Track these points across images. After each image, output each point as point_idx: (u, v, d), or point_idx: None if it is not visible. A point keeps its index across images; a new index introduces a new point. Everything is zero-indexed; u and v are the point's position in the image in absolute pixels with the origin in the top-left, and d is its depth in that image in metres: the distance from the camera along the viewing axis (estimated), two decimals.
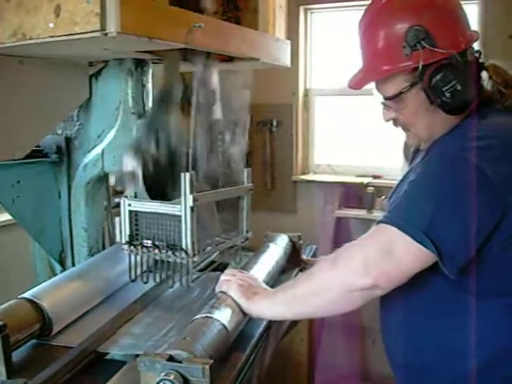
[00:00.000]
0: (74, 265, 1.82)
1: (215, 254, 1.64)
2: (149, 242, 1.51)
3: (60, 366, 1.20)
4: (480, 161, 1.16)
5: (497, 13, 3.21)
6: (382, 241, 1.23)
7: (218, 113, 1.63)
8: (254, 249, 1.82)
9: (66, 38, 1.13)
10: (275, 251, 1.79)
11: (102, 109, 1.73)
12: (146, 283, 1.59)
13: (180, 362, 1.06)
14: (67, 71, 1.62)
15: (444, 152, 1.26)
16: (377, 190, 3.54)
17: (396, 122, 1.39)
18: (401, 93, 1.29)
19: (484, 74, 1.35)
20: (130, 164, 1.53)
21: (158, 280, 1.57)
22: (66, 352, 1.28)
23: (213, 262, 1.66)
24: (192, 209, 1.42)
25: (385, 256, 1.20)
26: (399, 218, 1.21)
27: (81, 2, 1.09)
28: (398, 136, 1.51)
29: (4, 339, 1.17)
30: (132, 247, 1.53)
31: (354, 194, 3.71)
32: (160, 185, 1.59)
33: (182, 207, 1.43)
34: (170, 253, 1.47)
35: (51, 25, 1.13)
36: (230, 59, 1.76)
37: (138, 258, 1.55)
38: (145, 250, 1.51)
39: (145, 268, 1.59)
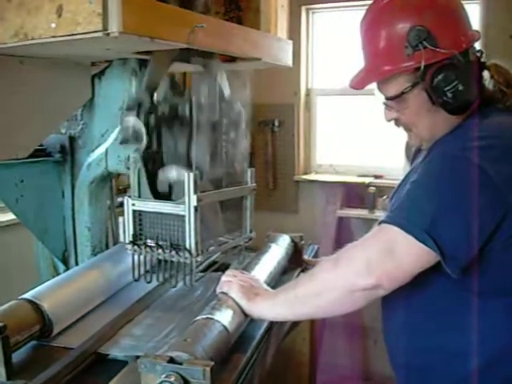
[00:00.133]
0: (77, 264, 1.83)
1: (218, 253, 1.64)
2: (152, 242, 1.51)
3: (60, 368, 1.19)
4: (482, 160, 1.16)
5: (498, 12, 3.21)
6: (384, 241, 1.23)
7: (219, 112, 1.63)
8: (256, 249, 1.82)
9: (68, 38, 1.13)
10: (277, 252, 1.78)
11: (105, 108, 1.73)
12: (149, 283, 1.59)
13: (181, 364, 1.06)
14: (69, 71, 1.62)
15: (446, 152, 1.26)
16: (378, 189, 3.54)
17: (397, 122, 1.39)
18: (402, 93, 1.29)
19: (485, 74, 1.34)
20: (133, 122, 1.52)
21: (161, 280, 1.57)
22: (67, 353, 1.27)
23: (215, 263, 1.67)
24: (196, 209, 1.42)
25: (387, 256, 1.20)
26: (401, 217, 1.21)
27: (83, 2, 1.09)
28: (400, 136, 1.51)
29: (4, 340, 1.17)
30: (135, 247, 1.53)
31: (356, 194, 3.72)
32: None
33: (185, 207, 1.43)
34: (173, 252, 1.47)
35: (53, 25, 1.13)
36: (232, 59, 1.76)
37: (142, 257, 1.56)
38: (148, 249, 1.52)
39: (148, 268, 1.59)
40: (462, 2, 1.33)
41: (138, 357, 1.12)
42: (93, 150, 1.75)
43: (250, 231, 1.72)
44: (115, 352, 1.33)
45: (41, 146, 1.72)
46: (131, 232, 1.54)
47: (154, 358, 1.07)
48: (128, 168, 1.59)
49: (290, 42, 2.04)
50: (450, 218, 1.18)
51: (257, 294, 1.40)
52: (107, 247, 1.88)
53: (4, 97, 1.43)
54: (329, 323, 3.43)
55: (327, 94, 3.93)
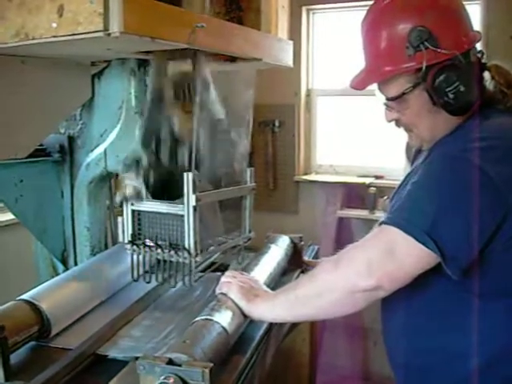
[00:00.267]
0: (76, 264, 1.82)
1: (218, 253, 1.64)
2: (151, 242, 1.50)
3: (58, 369, 1.19)
4: (482, 161, 1.16)
5: (499, 13, 3.21)
6: (384, 242, 1.23)
7: (221, 112, 1.63)
8: (256, 249, 1.82)
9: (69, 38, 1.12)
10: (276, 252, 1.78)
11: (104, 108, 1.73)
12: (148, 283, 1.59)
13: (179, 366, 1.06)
14: (69, 71, 1.62)
15: (446, 153, 1.25)
16: (379, 190, 3.54)
17: (398, 123, 1.39)
18: (403, 93, 1.29)
19: (486, 75, 1.34)
20: (132, 179, 1.52)
21: (160, 280, 1.56)
22: (65, 354, 1.27)
23: (213, 263, 1.66)
24: (195, 208, 1.42)
25: (388, 257, 1.20)
26: (402, 218, 1.20)
27: (84, 2, 1.09)
28: (400, 136, 1.50)
29: (2, 341, 1.17)
30: (134, 247, 1.53)
31: (356, 195, 3.71)
32: (163, 184, 1.58)
33: (184, 207, 1.43)
34: (172, 252, 1.47)
35: (54, 25, 1.13)
36: (232, 59, 1.76)
37: (141, 257, 1.55)
38: (147, 249, 1.52)
39: (147, 268, 1.59)
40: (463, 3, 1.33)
41: (137, 357, 1.11)
42: (92, 150, 1.75)
43: (249, 231, 1.72)
44: (114, 353, 1.32)
45: (40, 145, 1.72)
46: (130, 232, 1.54)
47: (152, 360, 1.07)
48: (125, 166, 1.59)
49: (291, 42, 2.04)
50: (451, 219, 1.18)
51: (256, 295, 1.39)
52: (106, 247, 1.88)
53: (4, 96, 1.42)
54: (329, 324, 3.43)
55: (328, 95, 3.93)
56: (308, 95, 3.95)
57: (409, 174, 1.44)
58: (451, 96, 1.23)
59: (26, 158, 1.57)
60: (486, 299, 1.24)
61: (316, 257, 2.08)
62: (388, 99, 1.34)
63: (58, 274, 1.83)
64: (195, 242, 1.45)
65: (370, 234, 1.30)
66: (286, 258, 1.80)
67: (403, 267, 1.20)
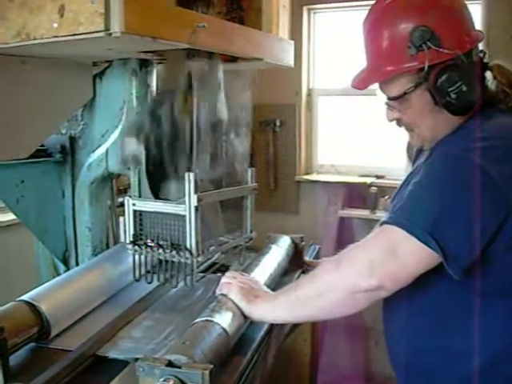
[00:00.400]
0: (77, 264, 1.82)
1: (219, 253, 1.64)
2: (153, 242, 1.50)
3: (58, 370, 1.18)
4: (484, 161, 1.16)
5: (500, 13, 3.21)
6: (386, 241, 1.22)
7: (222, 112, 1.63)
8: (257, 249, 1.81)
9: (70, 38, 1.13)
10: (277, 253, 1.77)
11: (106, 108, 1.73)
12: (150, 283, 1.59)
13: (179, 367, 1.05)
14: (70, 71, 1.62)
15: (448, 152, 1.25)
16: (380, 190, 3.54)
17: (399, 122, 1.39)
18: (405, 93, 1.29)
19: (488, 75, 1.34)
20: (133, 147, 1.52)
21: (161, 280, 1.56)
22: (65, 355, 1.26)
23: (215, 264, 1.66)
24: (196, 208, 1.42)
25: (389, 257, 1.20)
26: (404, 218, 1.20)
27: (85, 2, 1.09)
28: (401, 136, 1.50)
29: (1, 343, 1.16)
30: (136, 247, 1.53)
31: (358, 194, 3.71)
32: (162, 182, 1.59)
33: (186, 207, 1.43)
34: (174, 252, 1.47)
35: (55, 25, 1.13)
36: (233, 59, 1.76)
37: (142, 257, 1.55)
38: (149, 249, 1.51)
39: (149, 268, 1.58)
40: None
41: (137, 359, 1.11)
42: (93, 151, 1.75)
43: (251, 231, 1.72)
44: (114, 354, 1.31)
45: (41, 146, 1.72)
46: (132, 232, 1.54)
47: (152, 362, 1.06)
48: (128, 168, 1.59)
49: (292, 42, 2.04)
50: (453, 219, 1.18)
51: (257, 296, 1.39)
52: (108, 247, 1.87)
53: (5, 97, 1.42)
54: (330, 324, 3.43)
55: (329, 94, 3.92)
56: (309, 95, 3.94)
57: (410, 173, 1.44)
58: (453, 96, 1.23)
59: (28, 158, 1.57)
60: (488, 299, 1.24)
61: (317, 257, 2.08)
62: (389, 99, 1.34)
63: (59, 275, 1.82)
64: (197, 242, 1.45)
65: (372, 233, 1.30)
66: (286, 259, 1.80)
67: (405, 267, 1.20)
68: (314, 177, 3.91)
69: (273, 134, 3.92)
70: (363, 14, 1.38)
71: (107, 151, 1.71)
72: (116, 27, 1.09)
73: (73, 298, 1.48)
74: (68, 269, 1.84)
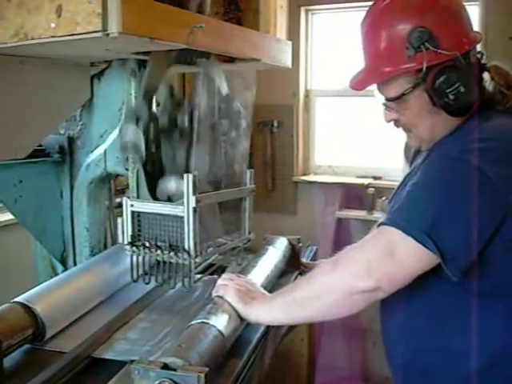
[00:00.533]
0: (75, 264, 1.82)
1: (217, 255, 1.64)
2: (151, 243, 1.50)
3: (53, 372, 1.18)
4: (481, 162, 1.16)
5: (498, 14, 3.21)
6: (383, 242, 1.22)
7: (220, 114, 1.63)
8: (255, 250, 1.81)
9: (68, 38, 1.12)
10: (274, 254, 1.77)
11: (104, 109, 1.73)
12: (147, 284, 1.59)
13: (175, 370, 1.04)
14: (68, 71, 1.62)
15: (445, 154, 1.25)
16: (377, 190, 3.54)
17: (397, 123, 1.38)
18: (403, 94, 1.28)
19: (486, 76, 1.34)
20: (132, 134, 1.52)
21: (159, 281, 1.56)
22: (60, 357, 1.25)
23: (212, 265, 1.66)
24: (195, 210, 1.42)
25: (387, 258, 1.20)
26: (401, 219, 1.20)
27: (82, 3, 1.09)
28: (399, 137, 1.50)
29: None
30: (134, 248, 1.53)
31: (355, 195, 3.72)
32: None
33: (184, 208, 1.43)
34: (172, 254, 1.47)
35: (53, 25, 1.13)
36: (231, 60, 1.76)
37: (140, 258, 1.55)
38: (147, 250, 1.51)
39: (147, 269, 1.58)
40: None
41: (133, 360, 1.10)
42: (92, 151, 1.75)
43: (249, 232, 1.72)
44: (109, 356, 1.31)
45: (40, 146, 1.72)
46: (130, 233, 1.54)
47: (147, 364, 1.06)
48: (127, 169, 1.59)
49: (290, 42, 2.04)
50: (450, 220, 1.18)
51: (253, 297, 1.38)
52: (106, 248, 1.88)
53: (3, 97, 1.43)
54: (327, 325, 3.42)
55: (326, 95, 3.93)
56: (307, 96, 3.94)
57: (408, 174, 1.44)
58: (451, 97, 1.23)
59: (26, 158, 1.57)
60: (486, 300, 1.24)
61: (314, 257, 2.08)
62: (387, 99, 1.34)
63: (57, 275, 1.82)
64: (195, 244, 1.45)
65: (369, 235, 1.30)
66: (283, 260, 1.79)
67: (403, 268, 1.20)
68: (311, 177, 3.92)
69: (270, 134, 3.92)
70: (361, 15, 1.38)
71: (105, 152, 1.71)
72: (113, 27, 1.09)
73: (69, 299, 1.47)
74: (66, 269, 1.84)
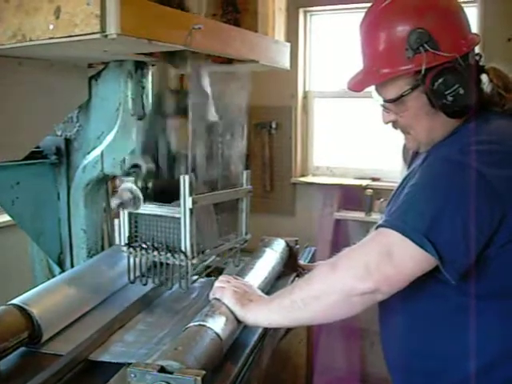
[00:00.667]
0: (72, 266, 1.82)
1: (214, 256, 1.63)
2: (148, 244, 1.50)
3: (49, 375, 1.17)
4: (480, 165, 1.16)
5: (496, 16, 3.22)
6: (382, 244, 1.22)
7: (216, 115, 1.63)
8: (252, 251, 1.80)
9: (66, 39, 1.12)
10: (271, 256, 1.76)
11: (101, 110, 1.73)
12: (145, 285, 1.58)
13: (171, 373, 1.03)
14: (66, 73, 1.62)
15: (444, 156, 1.25)
16: (375, 192, 3.55)
17: (395, 125, 1.38)
18: (402, 96, 1.28)
19: (484, 77, 1.34)
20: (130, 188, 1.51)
21: (156, 282, 1.56)
22: (56, 360, 1.24)
23: (209, 266, 1.66)
24: (191, 211, 1.42)
25: (386, 260, 1.19)
26: (400, 221, 1.20)
27: (81, 4, 1.09)
28: (397, 138, 1.50)
29: None
30: (131, 249, 1.53)
31: (353, 197, 3.72)
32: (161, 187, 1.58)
33: (181, 209, 1.42)
34: (169, 255, 1.47)
35: (51, 26, 1.13)
36: (229, 61, 1.75)
37: (137, 259, 1.55)
38: (144, 252, 1.51)
39: (144, 270, 1.58)
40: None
41: (129, 363, 1.09)
42: (88, 153, 1.75)
43: (246, 233, 1.71)
44: (105, 359, 1.30)
45: (37, 147, 1.72)
46: (127, 234, 1.54)
47: (144, 367, 1.05)
48: (124, 171, 1.59)
49: (288, 44, 2.03)
50: (449, 222, 1.17)
51: (251, 300, 1.37)
52: (103, 249, 1.87)
53: (1, 98, 1.42)
54: (325, 325, 3.43)
55: (324, 97, 3.93)
56: (305, 97, 3.95)
57: (406, 176, 1.44)
58: (450, 99, 1.23)
59: (23, 160, 1.57)
60: (484, 302, 1.24)
61: (312, 259, 2.07)
62: (386, 101, 1.33)
63: (54, 276, 1.82)
64: (191, 245, 1.44)
65: (368, 236, 1.29)
66: (281, 262, 1.78)
67: (402, 270, 1.20)
68: (309, 179, 3.92)
69: (269, 136, 3.92)
70: (359, 16, 1.38)
71: (102, 153, 1.71)
72: (112, 29, 1.09)
73: (65, 301, 1.46)
74: (63, 271, 1.84)
